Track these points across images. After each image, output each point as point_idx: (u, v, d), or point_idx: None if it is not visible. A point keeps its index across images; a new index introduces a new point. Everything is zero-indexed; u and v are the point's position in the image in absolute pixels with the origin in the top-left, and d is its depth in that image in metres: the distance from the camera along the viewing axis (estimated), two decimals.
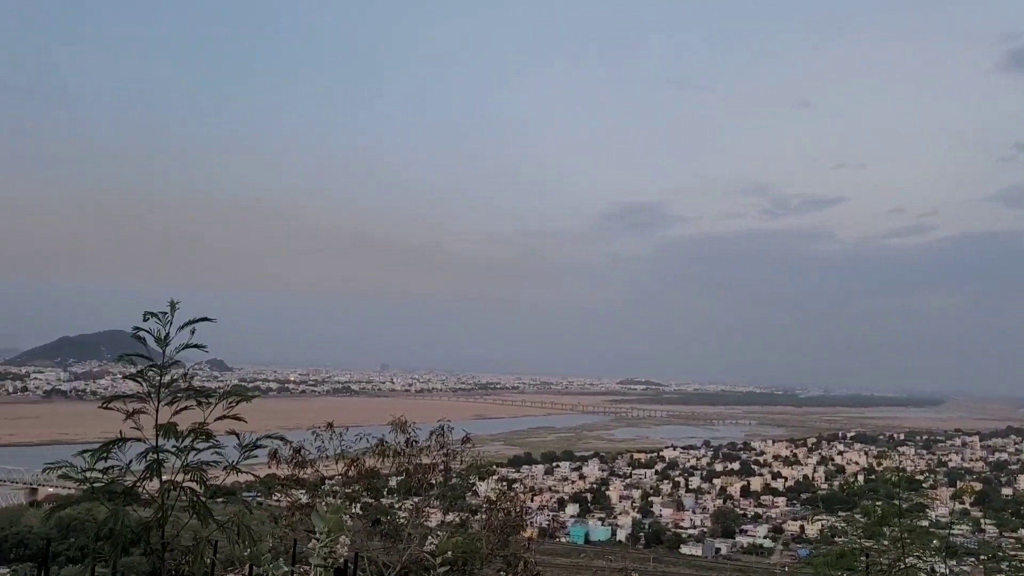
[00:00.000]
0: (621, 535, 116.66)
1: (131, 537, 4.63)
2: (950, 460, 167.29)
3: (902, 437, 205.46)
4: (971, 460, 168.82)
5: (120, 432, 4.73)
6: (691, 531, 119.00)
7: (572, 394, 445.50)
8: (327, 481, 16.92)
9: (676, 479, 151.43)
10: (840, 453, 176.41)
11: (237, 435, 5.12)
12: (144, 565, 4.83)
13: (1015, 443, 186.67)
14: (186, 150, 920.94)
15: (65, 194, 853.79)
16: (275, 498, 16.38)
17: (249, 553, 5.53)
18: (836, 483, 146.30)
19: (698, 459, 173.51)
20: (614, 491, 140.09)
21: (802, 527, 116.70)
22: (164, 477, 4.79)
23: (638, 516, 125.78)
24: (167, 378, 4.89)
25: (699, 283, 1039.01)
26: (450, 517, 17.68)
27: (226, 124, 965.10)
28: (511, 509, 16.55)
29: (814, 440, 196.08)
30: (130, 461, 4.75)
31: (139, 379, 4.86)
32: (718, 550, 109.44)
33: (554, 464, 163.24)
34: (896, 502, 13.09)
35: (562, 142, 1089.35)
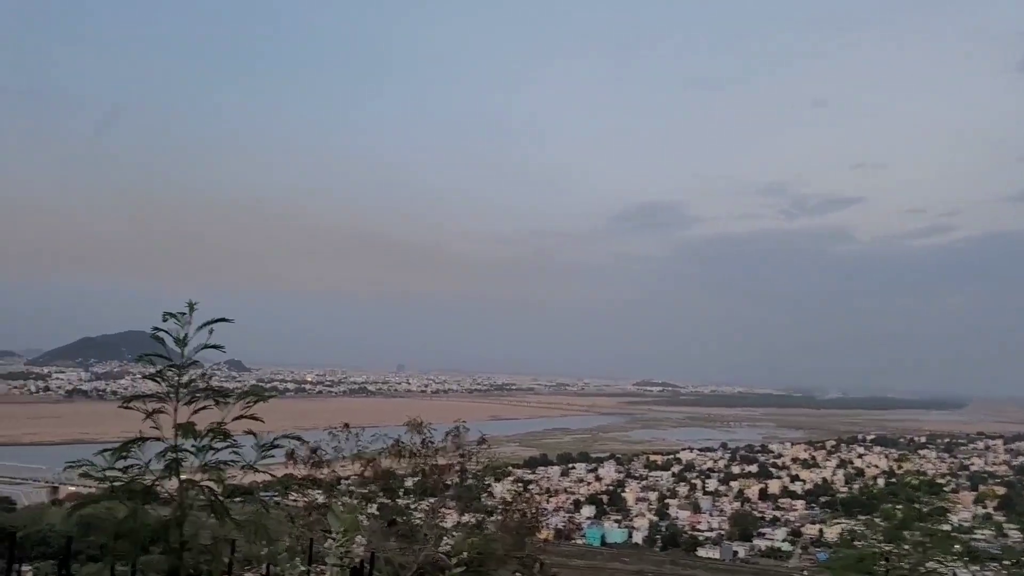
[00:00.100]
0: (637, 537, 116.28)
1: (150, 535, 4.67)
2: (972, 464, 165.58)
3: (923, 440, 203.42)
4: (994, 464, 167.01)
5: (140, 431, 4.77)
6: (708, 534, 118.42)
7: (588, 395, 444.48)
8: (343, 481, 17.00)
9: (693, 481, 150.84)
10: (860, 456, 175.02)
11: (255, 435, 5.14)
12: (163, 563, 4.85)
13: None
14: (199, 150, 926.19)
15: (86, 196, 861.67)
16: (292, 498, 16.45)
17: (266, 552, 5.58)
18: (856, 486, 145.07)
19: (715, 461, 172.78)
20: (630, 493, 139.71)
21: (821, 530, 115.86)
22: (183, 476, 4.82)
23: (655, 518, 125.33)
24: (186, 378, 4.93)
25: (716, 284, 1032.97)
26: (466, 518, 17.71)
27: (238, 124, 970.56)
28: (527, 510, 16.59)
29: (833, 443, 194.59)
30: (149, 460, 4.79)
31: (158, 379, 4.90)
32: (736, 553, 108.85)
33: (570, 465, 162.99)
34: (917, 506, 13.00)
35: (576, 142, 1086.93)
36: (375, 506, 16.60)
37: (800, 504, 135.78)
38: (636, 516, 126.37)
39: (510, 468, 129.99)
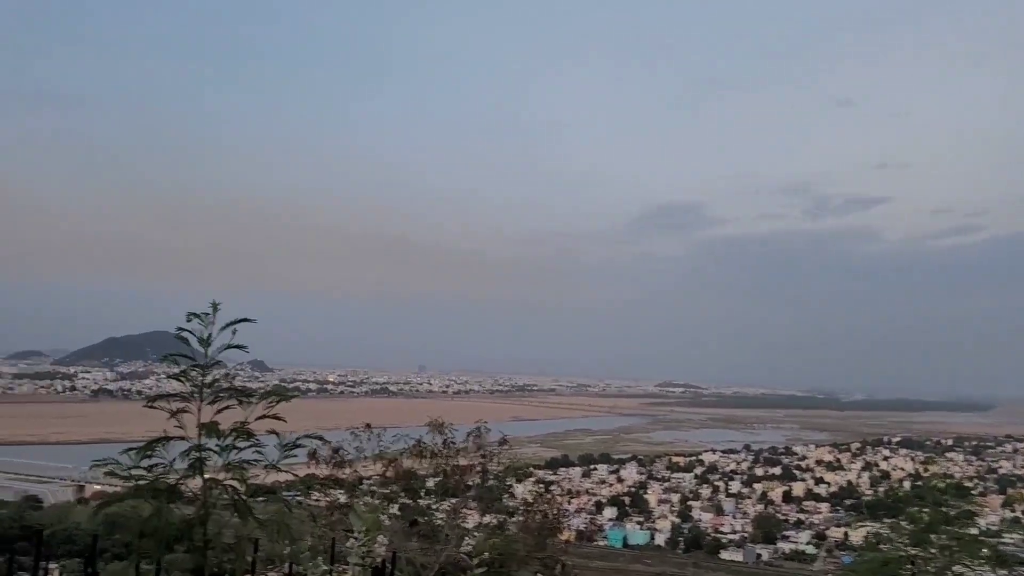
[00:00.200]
0: (660, 539, 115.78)
1: (174, 534, 4.71)
2: (1000, 467, 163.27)
3: (950, 442, 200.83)
4: (1022, 467, 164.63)
5: (164, 431, 4.81)
6: (731, 536, 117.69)
7: (609, 396, 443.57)
8: (365, 481, 17.05)
9: (716, 483, 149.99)
10: (885, 458, 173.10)
11: (277, 434, 5.17)
12: (187, 562, 4.89)
13: None
14: (219, 153, 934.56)
15: (112, 198, 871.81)
16: (314, 497, 16.55)
17: (289, 551, 5.61)
18: (881, 489, 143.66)
19: (738, 463, 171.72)
20: (652, 495, 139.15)
21: (846, 533, 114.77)
22: (206, 475, 4.85)
23: (677, 520, 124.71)
24: (209, 378, 4.96)
25: (738, 284, 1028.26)
26: (487, 519, 17.72)
27: (257, 127, 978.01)
28: (548, 511, 16.56)
29: (858, 445, 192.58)
30: (173, 459, 4.83)
31: (182, 379, 4.94)
32: (759, 556, 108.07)
33: (591, 466, 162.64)
34: (944, 509, 12.84)
35: (598, 143, 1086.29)
36: (396, 506, 16.65)
37: (824, 507, 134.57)
38: (658, 518, 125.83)
39: (531, 469, 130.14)
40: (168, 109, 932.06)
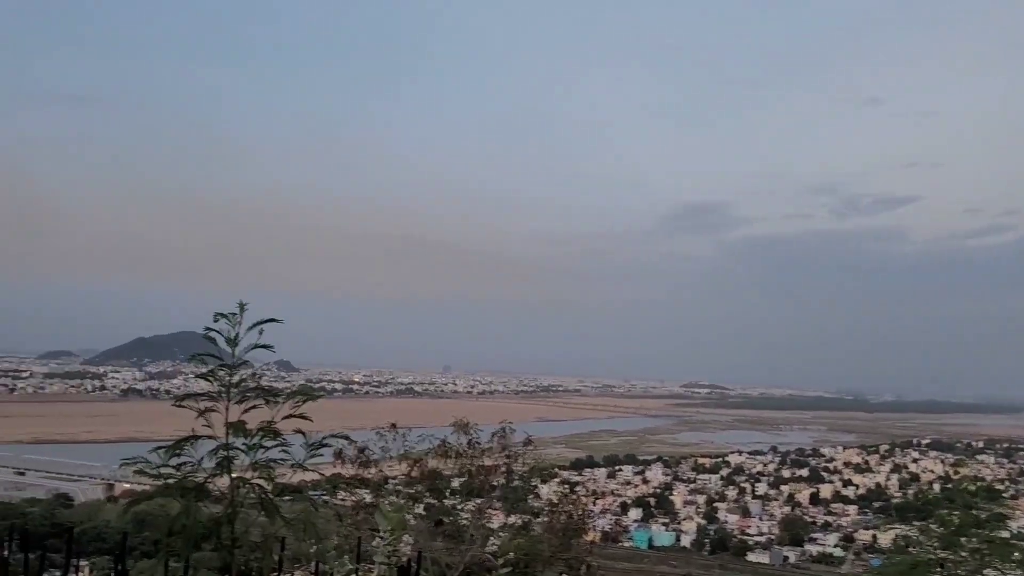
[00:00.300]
0: (685, 541, 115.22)
1: (202, 532, 4.74)
2: None
3: (980, 445, 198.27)
4: None
5: (192, 430, 4.84)
6: (758, 538, 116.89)
7: (634, 397, 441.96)
8: (390, 481, 17.12)
9: (742, 485, 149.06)
10: (915, 461, 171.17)
11: (303, 434, 5.19)
12: (214, 560, 4.92)
13: None
14: (244, 154, 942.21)
15: (139, 200, 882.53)
16: (340, 497, 16.61)
17: (315, 550, 5.64)
18: (910, 492, 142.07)
19: (765, 465, 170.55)
20: (678, 496, 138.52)
21: (874, 536, 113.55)
22: (234, 474, 4.88)
23: (703, 522, 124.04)
24: (236, 378, 4.99)
25: (765, 285, 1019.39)
26: (512, 519, 17.72)
27: (280, 128, 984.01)
28: (573, 512, 16.52)
29: (887, 447, 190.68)
30: (201, 458, 4.86)
31: (210, 378, 4.97)
32: (786, 558, 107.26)
33: (616, 467, 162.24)
34: (974, 512, 12.66)
35: (625, 142, 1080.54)
36: (422, 506, 16.70)
37: (852, 509, 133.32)
38: (684, 519, 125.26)
39: (556, 470, 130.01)
40: (192, 110, 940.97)
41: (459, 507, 16.92)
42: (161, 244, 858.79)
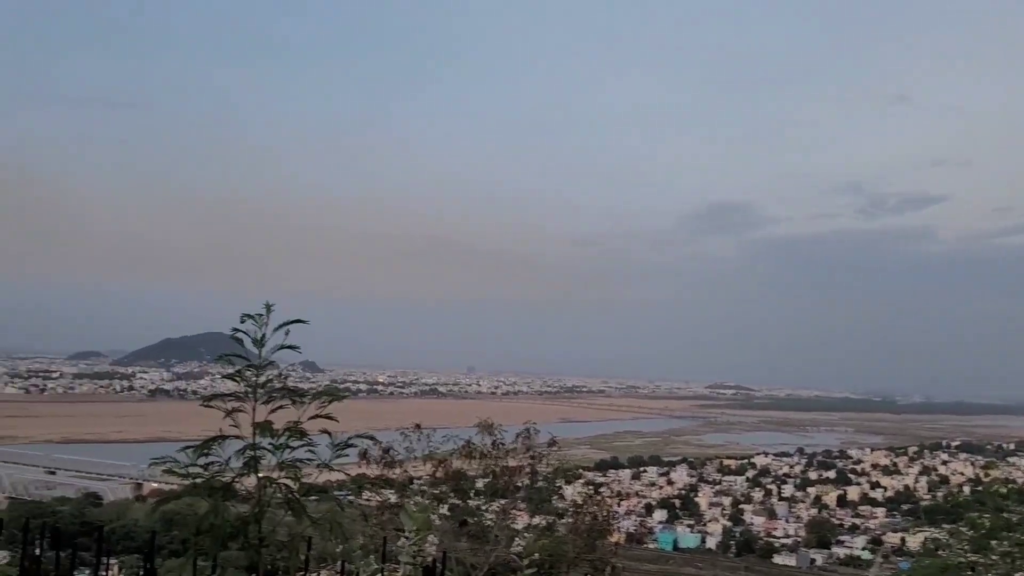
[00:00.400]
0: (711, 543, 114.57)
1: (230, 531, 4.78)
2: None
3: (1012, 447, 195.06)
4: None
5: (220, 429, 4.88)
6: (784, 540, 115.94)
7: (659, 398, 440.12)
8: (415, 481, 17.17)
9: (768, 487, 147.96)
10: (944, 463, 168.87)
11: (329, 434, 5.22)
12: (241, 559, 4.96)
13: None
14: (268, 157, 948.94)
15: (168, 202, 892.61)
16: (365, 497, 16.70)
17: (341, 550, 5.66)
18: (940, 494, 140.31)
19: (791, 467, 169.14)
20: (703, 498, 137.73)
21: (903, 539, 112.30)
22: (261, 474, 4.92)
23: (728, 524, 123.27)
24: (263, 378, 5.03)
25: (791, 285, 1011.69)
26: (536, 520, 17.71)
27: (306, 130, 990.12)
28: (598, 513, 16.47)
29: (915, 449, 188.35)
30: (229, 458, 4.90)
31: (237, 379, 5.01)
32: (813, 561, 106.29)
33: (641, 469, 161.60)
34: (1005, 515, 12.49)
35: (646, 142, 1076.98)
36: (446, 507, 16.73)
37: (881, 512, 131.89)
38: (709, 521, 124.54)
39: (580, 471, 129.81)
40: (218, 113, 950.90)
41: (483, 508, 16.95)
42: (188, 246, 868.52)
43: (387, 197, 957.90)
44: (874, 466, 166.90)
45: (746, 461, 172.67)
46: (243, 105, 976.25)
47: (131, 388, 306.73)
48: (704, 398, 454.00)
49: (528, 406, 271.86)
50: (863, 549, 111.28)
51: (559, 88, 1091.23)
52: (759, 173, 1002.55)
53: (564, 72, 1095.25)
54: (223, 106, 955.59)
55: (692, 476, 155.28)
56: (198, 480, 4.83)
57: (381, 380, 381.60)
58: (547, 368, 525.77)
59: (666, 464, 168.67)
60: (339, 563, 5.97)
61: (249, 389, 4.99)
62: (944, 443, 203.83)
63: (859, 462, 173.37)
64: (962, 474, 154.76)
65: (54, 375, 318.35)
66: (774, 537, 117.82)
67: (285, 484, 4.91)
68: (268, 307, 4.97)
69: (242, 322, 4.96)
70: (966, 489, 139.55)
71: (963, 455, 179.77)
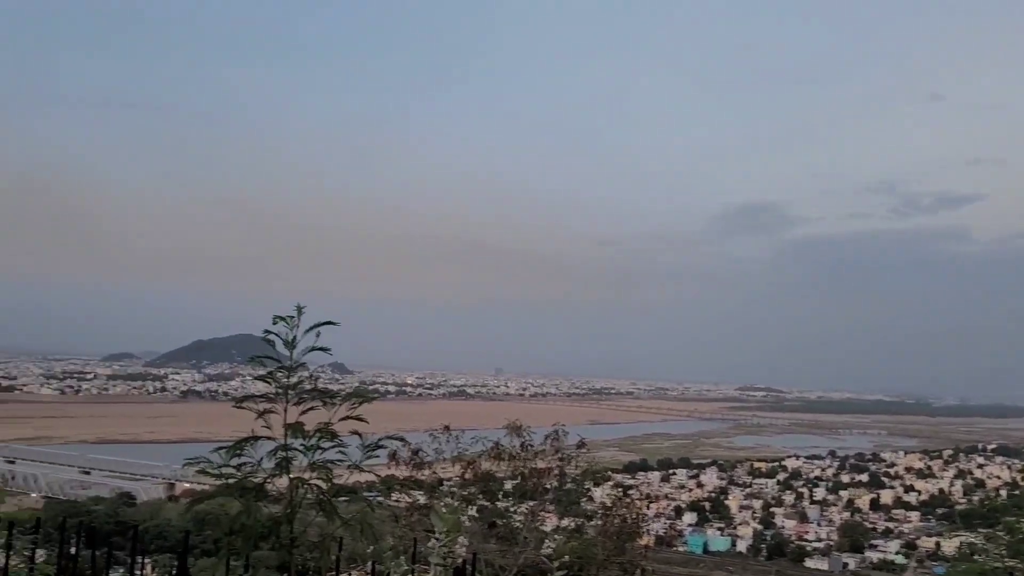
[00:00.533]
0: (741, 546, 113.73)
1: (262, 531, 4.81)
2: None
3: None
4: None
5: (252, 430, 4.93)
6: (816, 544, 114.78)
7: (688, 400, 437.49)
8: (444, 483, 17.20)
9: (799, 490, 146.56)
10: (980, 466, 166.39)
11: (360, 435, 5.25)
12: (273, 559, 4.99)
13: None
14: (295, 159, 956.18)
15: (199, 204, 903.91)
16: (394, 498, 16.74)
17: (372, 550, 5.69)
18: (975, 498, 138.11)
19: (823, 469, 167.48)
20: (733, 500, 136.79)
21: (938, 543, 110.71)
22: (292, 474, 4.96)
23: (759, 527, 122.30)
24: (294, 379, 5.07)
25: (822, 286, 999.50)
26: (565, 522, 17.66)
27: (334, 129, 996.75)
28: (627, 516, 16.40)
29: (950, 452, 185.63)
30: (261, 458, 4.94)
31: (269, 380, 5.06)
32: (846, 565, 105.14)
33: (670, 471, 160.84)
34: None
35: (675, 141, 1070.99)
36: (475, 508, 16.75)
37: (915, 515, 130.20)
38: (740, 524, 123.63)
39: (609, 473, 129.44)
40: (244, 115, 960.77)
41: (512, 509, 16.94)
42: (219, 249, 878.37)
43: (414, 199, 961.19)
44: (908, 469, 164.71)
45: (777, 464, 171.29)
46: (269, 107, 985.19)
47: (163, 389, 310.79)
48: (734, 400, 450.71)
49: (556, 408, 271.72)
50: (897, 553, 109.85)
51: (585, 88, 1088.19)
52: (790, 173, 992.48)
53: (591, 72, 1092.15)
54: (249, 108, 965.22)
55: (722, 479, 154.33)
56: (231, 480, 4.88)
57: (409, 382, 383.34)
58: (575, 370, 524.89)
59: (695, 466, 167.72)
60: (370, 563, 6.00)
61: (280, 391, 5.03)
62: (980, 446, 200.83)
63: (892, 465, 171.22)
64: (998, 477, 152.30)
65: (88, 376, 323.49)
66: (806, 541, 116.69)
67: (316, 485, 4.94)
68: (299, 309, 5.01)
69: (274, 324, 5.01)
70: (1003, 493, 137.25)
71: (999, 458, 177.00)
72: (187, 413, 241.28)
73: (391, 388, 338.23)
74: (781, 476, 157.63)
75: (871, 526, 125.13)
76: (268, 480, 4.94)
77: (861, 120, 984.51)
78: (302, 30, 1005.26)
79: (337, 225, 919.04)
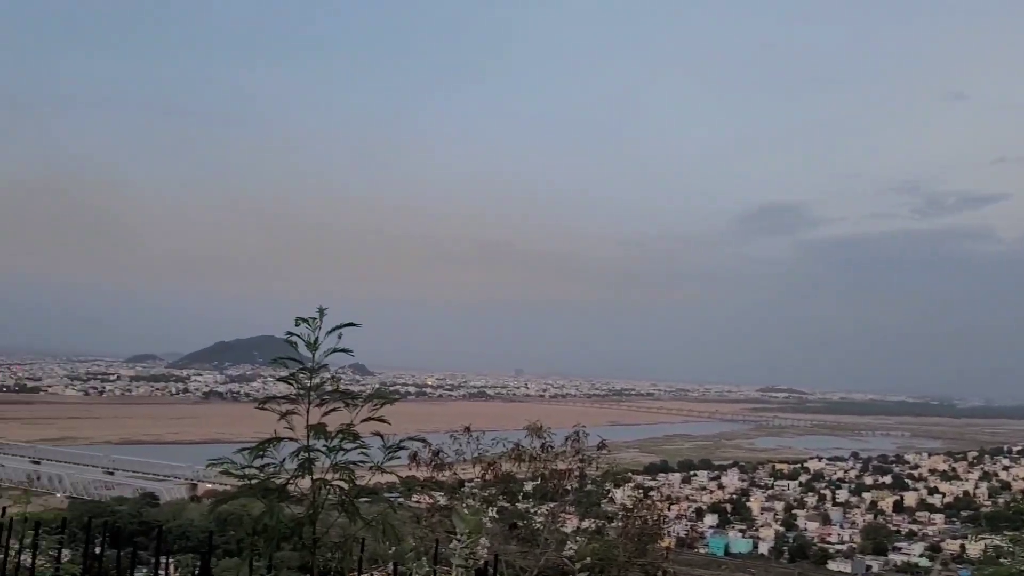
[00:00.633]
0: (763, 548, 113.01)
1: (284, 532, 4.83)
2: None
3: None
4: None
5: (274, 431, 4.95)
6: (839, 547, 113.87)
7: (709, 401, 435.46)
8: (466, 484, 17.20)
9: (822, 491, 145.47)
10: (1006, 468, 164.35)
11: (381, 436, 5.26)
12: (295, 560, 5.01)
13: None
14: (316, 159, 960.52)
15: (221, 208, 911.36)
16: (414, 499, 16.77)
17: (394, 551, 5.70)
18: (1001, 500, 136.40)
19: (846, 471, 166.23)
20: (755, 502, 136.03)
21: (963, 546, 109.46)
22: (315, 476, 4.97)
23: (781, 529, 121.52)
24: (316, 381, 5.08)
25: (844, 287, 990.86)
26: (585, 523, 17.58)
27: (352, 131, 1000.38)
28: (648, 517, 16.31)
29: (975, 454, 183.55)
30: (283, 460, 4.96)
31: (291, 381, 5.08)
32: (869, 567, 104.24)
33: (691, 473, 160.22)
34: None
35: (696, 142, 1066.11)
36: (495, 509, 16.73)
37: (939, 518, 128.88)
38: (761, 526, 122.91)
39: (630, 474, 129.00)
40: (259, 118, 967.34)
41: (532, 511, 16.90)
42: (240, 251, 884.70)
43: (433, 200, 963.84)
44: (932, 471, 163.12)
45: (799, 465, 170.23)
46: (286, 109, 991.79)
47: (186, 390, 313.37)
48: (755, 401, 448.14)
49: (576, 409, 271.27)
50: (921, 556, 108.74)
51: (604, 88, 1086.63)
52: (812, 174, 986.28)
53: (609, 72, 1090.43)
54: (265, 110, 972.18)
55: (743, 480, 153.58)
56: (254, 481, 4.90)
57: (430, 382, 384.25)
58: (595, 371, 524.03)
59: (717, 468, 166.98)
60: (391, 564, 6.01)
61: (303, 392, 5.05)
62: (1005, 448, 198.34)
63: (916, 467, 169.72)
64: None
65: (112, 378, 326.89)
66: (828, 543, 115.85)
67: (339, 486, 4.95)
68: (321, 311, 5.02)
69: (296, 326, 5.02)
70: None
71: None
72: (209, 414, 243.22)
73: (411, 389, 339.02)
74: (803, 478, 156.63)
75: (895, 528, 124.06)
76: (291, 481, 4.95)
77: (883, 119, 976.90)
78: (320, 34, 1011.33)
79: (356, 226, 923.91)
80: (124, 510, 75.88)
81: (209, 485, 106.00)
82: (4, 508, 6.17)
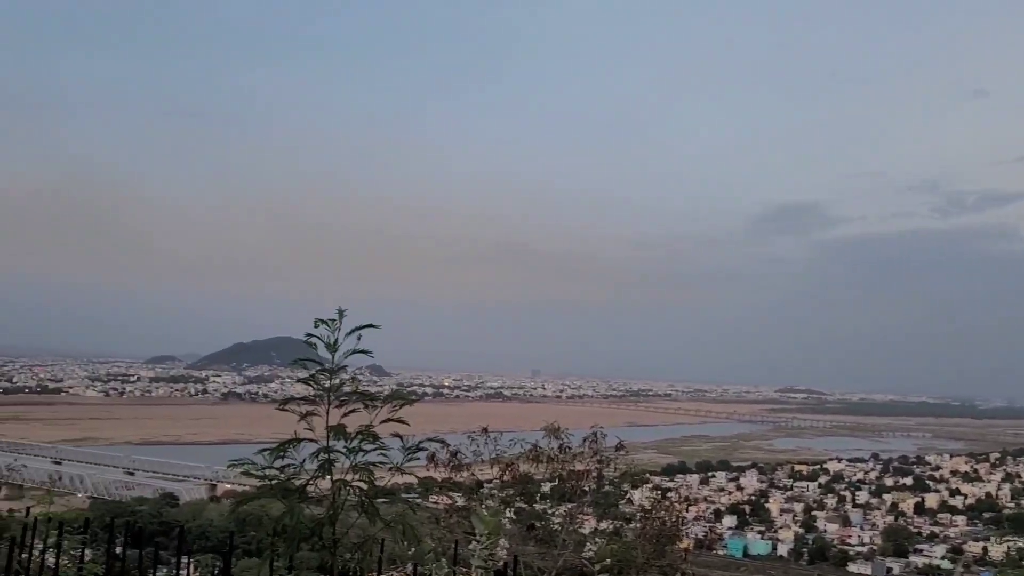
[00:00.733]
0: (782, 550, 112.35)
1: (304, 533, 4.85)
2: None
3: None
4: None
5: (294, 432, 4.97)
6: (859, 548, 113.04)
7: (727, 402, 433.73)
8: (484, 485, 17.21)
9: (842, 493, 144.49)
10: None
11: (400, 437, 5.27)
12: (315, 560, 5.04)
13: None
14: (333, 160, 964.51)
15: (239, 209, 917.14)
16: (432, 500, 16.80)
17: (413, 552, 5.70)
18: None
19: (866, 473, 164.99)
20: (774, 504, 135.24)
21: (985, 548, 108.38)
22: (334, 476, 4.99)
23: (800, 531, 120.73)
24: (335, 382, 5.11)
25: (863, 287, 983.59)
26: (604, 525, 17.54)
27: (367, 131, 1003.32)
28: (666, 519, 16.26)
29: (998, 455, 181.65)
30: (303, 460, 4.99)
31: (311, 383, 5.10)
32: (890, 570, 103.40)
33: (709, 474, 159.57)
34: None
35: (713, 142, 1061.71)
36: (512, 510, 16.73)
37: (961, 520, 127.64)
38: (780, 528, 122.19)
39: (648, 475, 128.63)
40: (274, 120, 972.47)
41: (550, 511, 16.90)
42: (258, 253, 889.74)
43: (451, 200, 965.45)
44: (953, 472, 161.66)
45: (818, 467, 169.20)
46: (301, 110, 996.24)
47: (204, 391, 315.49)
48: (774, 402, 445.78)
49: (594, 410, 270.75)
50: (942, 558, 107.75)
51: (620, 89, 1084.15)
52: (830, 173, 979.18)
53: (627, 72, 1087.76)
54: (280, 111, 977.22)
55: (762, 481, 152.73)
56: (274, 482, 4.93)
57: (447, 383, 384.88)
58: (613, 371, 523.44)
59: (735, 469, 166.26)
60: (410, 565, 6.01)
61: (322, 393, 5.08)
62: None
63: (938, 468, 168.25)
64: None
65: (132, 378, 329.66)
66: (848, 545, 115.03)
67: (359, 487, 4.97)
68: (340, 312, 5.04)
69: (316, 326, 5.04)
70: None
71: None
72: (228, 415, 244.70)
73: (428, 390, 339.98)
74: (823, 479, 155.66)
75: (916, 530, 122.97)
76: (311, 482, 4.98)
77: (903, 117, 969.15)
78: (334, 34, 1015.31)
79: (374, 228, 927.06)
80: (145, 510, 76.50)
81: (228, 485, 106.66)
82: (28, 508, 6.23)
